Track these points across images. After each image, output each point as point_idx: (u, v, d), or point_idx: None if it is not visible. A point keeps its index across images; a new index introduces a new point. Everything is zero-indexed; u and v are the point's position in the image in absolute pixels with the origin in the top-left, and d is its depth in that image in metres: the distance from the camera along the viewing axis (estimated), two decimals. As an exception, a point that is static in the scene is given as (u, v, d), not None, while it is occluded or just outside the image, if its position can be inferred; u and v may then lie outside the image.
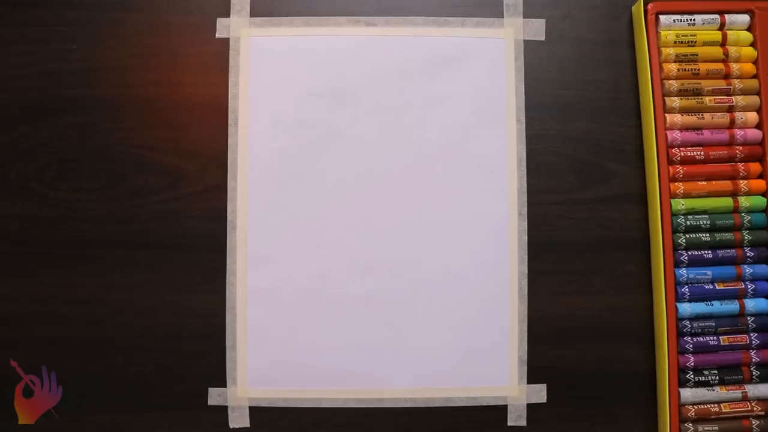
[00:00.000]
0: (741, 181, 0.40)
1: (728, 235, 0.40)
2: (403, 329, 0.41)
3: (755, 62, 0.41)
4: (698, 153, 0.40)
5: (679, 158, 0.40)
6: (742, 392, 0.39)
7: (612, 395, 0.41)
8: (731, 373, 0.39)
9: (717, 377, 0.39)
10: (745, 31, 0.41)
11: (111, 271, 0.41)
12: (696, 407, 0.39)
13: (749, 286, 0.40)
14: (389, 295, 0.41)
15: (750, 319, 0.39)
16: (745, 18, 0.41)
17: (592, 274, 0.41)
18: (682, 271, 0.40)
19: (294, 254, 0.41)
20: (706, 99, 0.40)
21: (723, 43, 0.41)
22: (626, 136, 0.42)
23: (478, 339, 0.41)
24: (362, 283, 0.41)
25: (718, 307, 0.39)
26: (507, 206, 0.41)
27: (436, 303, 0.41)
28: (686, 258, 0.40)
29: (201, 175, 0.42)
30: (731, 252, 0.40)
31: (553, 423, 0.41)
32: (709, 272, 0.40)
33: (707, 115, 0.40)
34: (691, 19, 0.41)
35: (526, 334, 0.41)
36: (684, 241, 0.40)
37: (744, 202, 0.40)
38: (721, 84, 0.40)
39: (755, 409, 0.39)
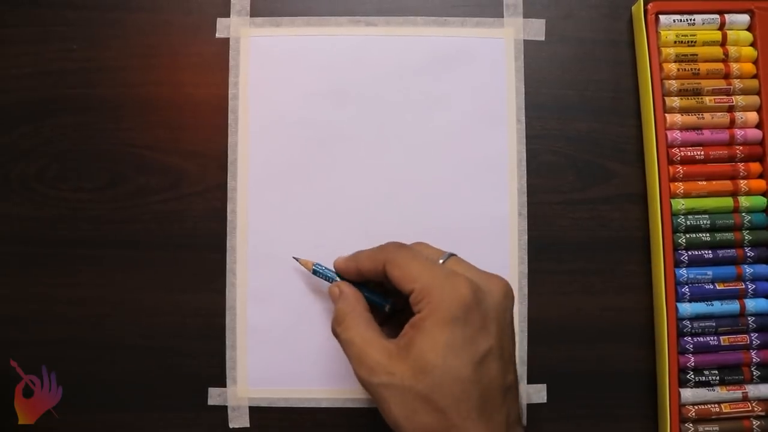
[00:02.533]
0: (741, 181, 0.40)
1: (728, 235, 0.40)
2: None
3: (755, 62, 0.41)
4: (698, 153, 0.40)
5: (679, 158, 0.40)
6: (743, 392, 0.39)
7: (612, 395, 0.41)
8: (732, 374, 0.39)
9: (717, 377, 0.39)
10: (745, 31, 0.41)
11: (111, 271, 0.41)
12: (696, 407, 0.39)
13: (749, 286, 0.40)
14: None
15: (750, 319, 0.39)
16: (745, 18, 0.41)
17: (592, 274, 0.41)
18: (683, 271, 0.40)
19: (294, 254, 0.41)
20: (706, 99, 0.40)
21: (723, 43, 0.41)
22: (626, 136, 0.42)
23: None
24: (362, 283, 0.41)
25: (718, 307, 0.39)
26: (507, 206, 0.41)
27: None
28: (686, 258, 0.40)
29: (201, 175, 0.42)
30: (731, 252, 0.40)
31: (553, 423, 0.41)
32: (709, 272, 0.40)
33: (707, 115, 0.40)
34: (691, 19, 0.41)
35: (527, 334, 0.41)
36: (684, 241, 0.40)
37: (744, 201, 0.40)
38: (721, 84, 0.40)
39: (756, 409, 0.39)
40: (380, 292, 0.35)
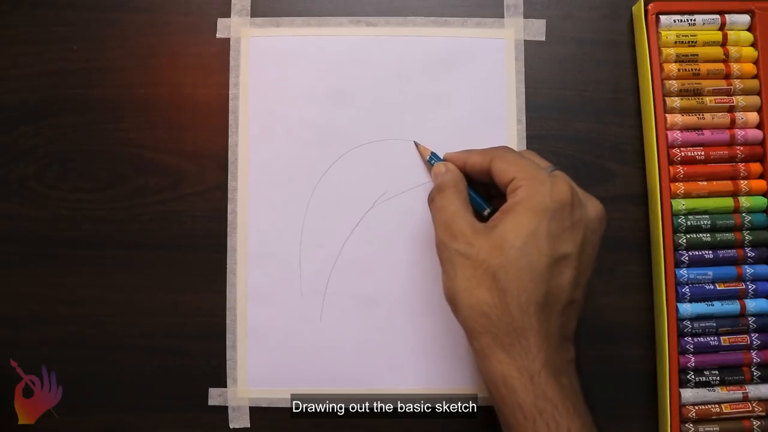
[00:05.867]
0: (742, 182, 0.40)
1: (729, 236, 0.40)
2: (404, 330, 0.41)
3: (756, 62, 0.41)
4: (699, 153, 0.40)
5: (679, 158, 0.40)
6: (743, 393, 0.39)
7: (612, 395, 0.41)
8: (732, 374, 0.39)
9: (718, 378, 0.39)
10: (746, 31, 0.41)
11: (111, 271, 0.41)
12: (696, 408, 0.39)
13: (750, 287, 0.40)
14: (390, 295, 0.41)
15: (751, 319, 0.39)
16: (745, 18, 0.41)
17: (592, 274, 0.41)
18: (683, 272, 0.40)
19: (294, 254, 0.41)
20: (707, 99, 0.40)
21: (723, 44, 0.41)
22: (626, 136, 0.42)
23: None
24: (362, 283, 0.41)
25: (718, 307, 0.39)
26: (507, 206, 0.41)
27: (437, 303, 0.41)
28: (687, 258, 0.40)
29: (201, 175, 0.42)
30: (732, 252, 0.40)
31: (554, 423, 0.41)
32: (709, 272, 0.40)
33: (708, 116, 0.40)
34: (691, 20, 0.41)
35: (527, 335, 0.41)
36: (684, 241, 0.40)
37: (745, 202, 0.40)
38: (721, 84, 0.40)
39: (756, 409, 0.39)
40: (484, 196, 0.37)
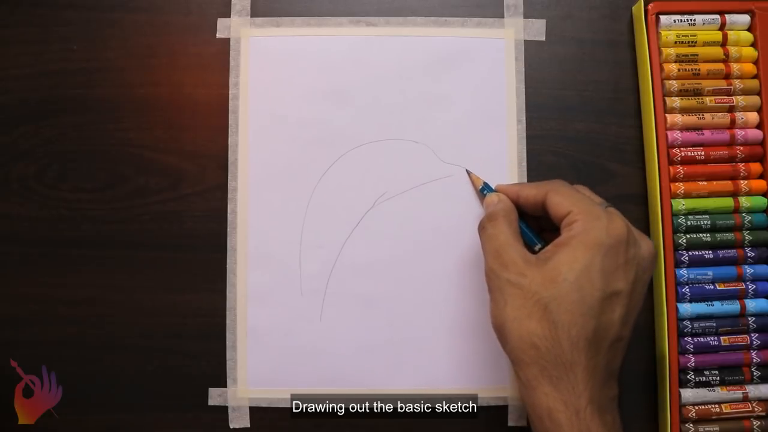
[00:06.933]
0: (742, 182, 0.40)
1: (729, 236, 0.40)
2: (403, 330, 0.41)
3: (756, 62, 0.41)
4: (699, 153, 0.40)
5: (679, 158, 0.40)
6: (743, 393, 0.39)
7: (612, 396, 0.41)
8: (732, 374, 0.39)
9: (718, 378, 0.39)
10: (746, 31, 0.41)
11: (111, 271, 0.41)
12: (696, 408, 0.39)
13: (750, 287, 0.40)
14: (390, 295, 0.41)
15: (751, 319, 0.39)
16: (745, 18, 0.41)
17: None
18: (683, 272, 0.40)
19: (294, 254, 0.41)
20: (707, 99, 0.40)
21: (723, 44, 0.41)
22: (626, 136, 0.42)
23: (479, 339, 0.41)
24: (362, 283, 0.41)
25: (718, 307, 0.39)
26: (507, 206, 0.41)
27: (436, 303, 0.41)
28: (687, 258, 0.40)
29: (201, 175, 0.42)
30: (732, 252, 0.40)
31: (554, 423, 0.41)
32: (709, 272, 0.40)
33: (708, 116, 0.40)
34: (691, 20, 0.41)
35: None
36: (684, 241, 0.40)
37: (745, 202, 0.40)
38: (721, 84, 0.40)
39: (756, 409, 0.39)
40: (535, 231, 0.37)
